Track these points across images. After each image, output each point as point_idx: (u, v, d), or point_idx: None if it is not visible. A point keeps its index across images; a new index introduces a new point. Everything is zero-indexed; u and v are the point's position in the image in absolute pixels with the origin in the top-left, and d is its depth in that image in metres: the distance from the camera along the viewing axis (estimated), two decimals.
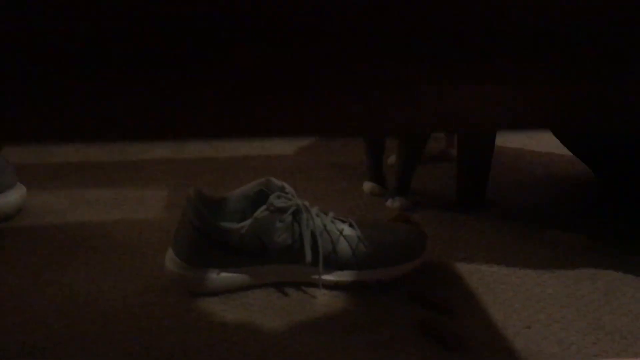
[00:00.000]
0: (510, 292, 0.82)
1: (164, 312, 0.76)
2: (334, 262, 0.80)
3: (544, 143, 1.43)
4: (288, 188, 0.80)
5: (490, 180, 1.16)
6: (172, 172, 1.20)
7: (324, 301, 0.79)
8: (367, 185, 1.11)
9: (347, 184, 1.16)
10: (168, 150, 1.33)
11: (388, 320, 0.75)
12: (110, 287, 0.81)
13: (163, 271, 0.84)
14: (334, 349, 0.70)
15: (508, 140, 1.44)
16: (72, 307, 0.77)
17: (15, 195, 0.98)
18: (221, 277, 0.78)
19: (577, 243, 0.95)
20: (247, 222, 0.76)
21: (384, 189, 1.11)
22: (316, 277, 0.80)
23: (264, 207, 0.77)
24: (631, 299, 0.81)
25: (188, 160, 1.27)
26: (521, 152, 1.38)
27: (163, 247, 0.91)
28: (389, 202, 1.06)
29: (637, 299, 0.82)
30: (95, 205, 1.05)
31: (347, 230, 0.82)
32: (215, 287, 0.79)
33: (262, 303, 0.78)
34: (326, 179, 1.18)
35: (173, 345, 0.70)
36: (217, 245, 0.77)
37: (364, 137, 1.09)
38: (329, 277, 0.81)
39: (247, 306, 0.78)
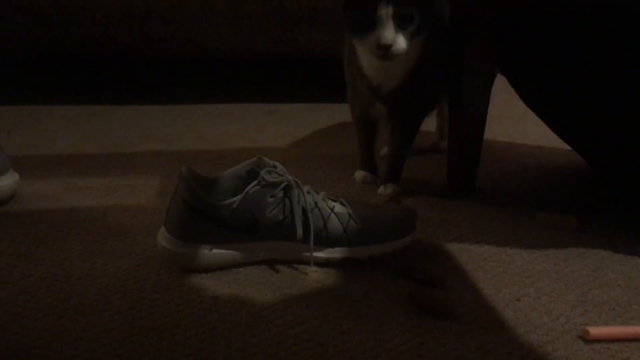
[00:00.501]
0: (500, 269, 0.83)
1: (156, 287, 0.76)
2: (325, 239, 0.81)
3: (536, 137, 1.44)
4: (279, 166, 0.81)
5: (481, 170, 1.16)
6: (165, 164, 1.20)
7: (315, 277, 0.80)
8: (359, 174, 1.12)
9: (340, 173, 1.17)
10: (161, 144, 1.33)
11: (378, 293, 0.76)
12: (102, 265, 0.81)
13: (155, 251, 0.84)
14: (324, 319, 0.70)
15: (500, 134, 1.46)
16: (63, 282, 0.77)
17: (8, 181, 0.99)
18: (213, 253, 0.79)
19: (567, 225, 0.96)
20: (239, 197, 0.77)
21: (376, 177, 1.11)
22: (307, 254, 0.80)
23: (255, 182, 0.78)
24: (620, 275, 0.82)
25: (181, 152, 1.28)
26: (512, 145, 1.39)
27: (155, 230, 0.90)
28: (380, 189, 1.07)
29: (625, 274, 0.82)
30: (88, 192, 1.05)
31: (338, 207, 0.83)
32: (207, 263, 0.79)
33: (253, 279, 0.79)
34: (318, 169, 1.19)
35: (164, 316, 0.70)
36: (209, 221, 0.78)
37: (356, 125, 1.10)
38: (320, 254, 0.81)
39: (238, 281, 0.78)
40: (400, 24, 0.88)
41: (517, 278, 0.81)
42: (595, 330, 0.67)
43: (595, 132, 1.00)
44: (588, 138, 1.03)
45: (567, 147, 1.19)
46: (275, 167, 0.81)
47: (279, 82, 1.98)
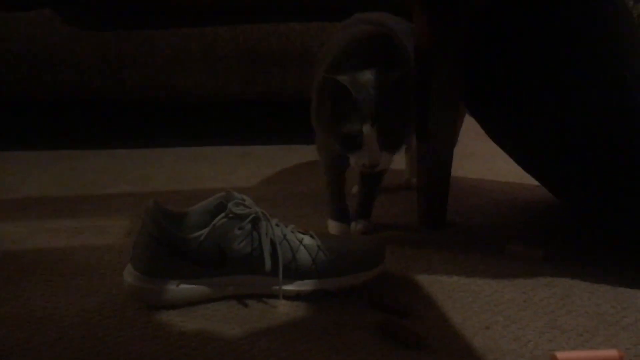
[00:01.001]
0: (470, 299, 0.83)
1: (120, 324, 0.75)
2: (294, 272, 0.80)
3: (504, 173, 1.47)
4: (247, 199, 0.81)
5: (452, 205, 1.18)
6: (135, 205, 1.20)
7: (284, 310, 0.79)
8: (334, 226, 1.07)
9: (311, 209, 1.17)
10: (132, 186, 1.33)
11: (349, 324, 0.75)
12: (67, 304, 0.80)
13: (122, 289, 0.83)
14: (292, 351, 0.69)
15: (470, 171, 1.48)
16: (27, 322, 0.75)
17: None
18: (180, 288, 0.78)
19: (535, 256, 0.97)
20: (206, 230, 0.77)
21: (349, 226, 1.08)
22: (277, 287, 0.80)
23: (222, 214, 0.77)
24: (588, 302, 0.83)
25: (152, 193, 1.27)
26: (482, 181, 1.41)
27: (123, 268, 0.90)
28: (352, 225, 1.07)
29: (593, 301, 0.83)
30: (55, 234, 1.04)
31: (307, 240, 0.83)
32: (174, 299, 0.78)
33: (222, 313, 0.78)
34: (290, 206, 1.19)
35: (128, 353, 0.69)
36: (176, 256, 0.77)
37: (327, 172, 1.08)
38: (289, 287, 0.81)
39: (206, 317, 0.77)
40: (385, 143, 0.88)
41: (486, 307, 0.81)
42: (562, 356, 0.67)
43: (560, 165, 1.02)
44: (553, 172, 1.05)
45: (534, 182, 1.21)
46: (243, 200, 0.81)
47: (252, 124, 2.00)
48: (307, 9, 1.55)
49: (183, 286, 0.78)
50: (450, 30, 0.99)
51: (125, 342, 0.71)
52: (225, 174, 1.44)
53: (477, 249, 1.00)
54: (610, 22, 0.91)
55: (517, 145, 1.06)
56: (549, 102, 0.93)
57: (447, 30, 0.99)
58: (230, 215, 0.78)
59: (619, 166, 0.90)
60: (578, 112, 0.91)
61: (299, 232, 0.84)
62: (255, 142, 1.73)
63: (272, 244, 0.79)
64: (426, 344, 0.71)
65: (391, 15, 1.12)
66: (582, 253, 0.99)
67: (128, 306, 0.79)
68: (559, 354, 0.67)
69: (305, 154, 1.62)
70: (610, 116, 0.89)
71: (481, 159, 1.60)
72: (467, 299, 0.83)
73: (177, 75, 1.56)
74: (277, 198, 1.24)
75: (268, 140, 1.77)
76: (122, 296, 0.81)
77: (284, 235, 0.81)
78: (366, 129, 0.86)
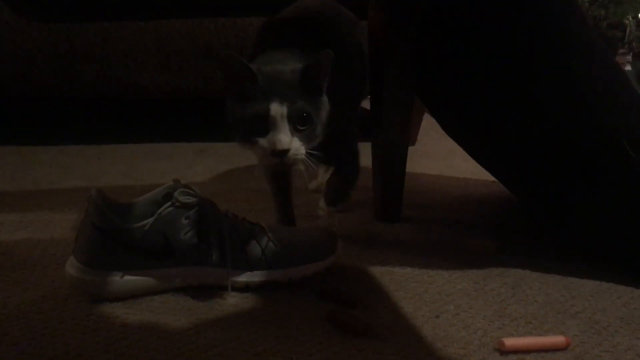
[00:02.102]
0: (421, 289, 0.82)
1: (60, 317, 0.72)
2: (243, 263, 0.79)
3: (462, 170, 1.47)
4: (195, 189, 0.79)
5: (409, 200, 1.17)
6: (83, 200, 1.16)
7: (233, 302, 0.77)
8: None
9: (266, 204, 1.15)
10: (82, 181, 1.29)
11: (297, 314, 0.74)
12: (4, 298, 0.76)
13: (65, 282, 0.80)
14: (239, 341, 0.67)
15: (428, 168, 1.48)
16: None
17: None
18: (124, 280, 0.75)
19: (488, 248, 0.97)
20: (151, 219, 0.74)
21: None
22: (225, 279, 0.78)
23: (168, 203, 0.75)
24: (537, 291, 0.83)
25: (104, 188, 1.24)
26: (440, 177, 1.42)
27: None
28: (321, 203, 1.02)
29: (543, 290, 0.83)
30: None
31: (257, 230, 0.81)
32: (118, 291, 0.75)
33: (167, 305, 0.76)
34: (245, 201, 1.17)
35: (66, 345, 0.66)
36: (120, 247, 0.75)
37: (267, 174, 0.99)
38: (238, 278, 0.79)
39: (151, 308, 0.75)
40: (296, 126, 0.76)
41: (437, 297, 0.80)
42: (510, 342, 0.67)
43: (514, 160, 1.03)
44: (507, 166, 1.06)
45: (491, 178, 1.22)
46: (191, 189, 0.79)
47: (208, 121, 1.97)
48: (265, 2, 1.54)
49: (127, 278, 0.75)
50: (404, 24, 0.99)
51: (65, 336, 0.68)
52: (181, 169, 1.41)
53: (432, 242, 0.99)
54: (560, 18, 0.92)
55: (474, 139, 1.07)
56: (504, 96, 0.93)
57: (401, 24, 0.99)
58: (177, 204, 0.75)
59: (570, 160, 0.91)
60: (532, 107, 0.91)
61: (249, 223, 0.83)
62: (213, 138, 1.71)
63: (220, 234, 0.77)
64: (374, 332, 0.70)
65: (334, 3, 1.08)
66: (534, 245, 1.00)
67: (70, 299, 0.76)
68: (506, 340, 0.67)
69: None
70: (562, 111, 0.90)
71: (439, 157, 1.61)
72: (418, 289, 0.82)
73: (131, 70, 1.52)
74: (232, 194, 1.22)
75: (225, 137, 1.74)
76: (64, 289, 0.78)
77: (233, 226, 0.79)
78: (274, 107, 0.74)
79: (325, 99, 0.81)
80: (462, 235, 1.02)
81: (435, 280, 0.85)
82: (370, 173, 1.10)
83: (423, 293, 0.81)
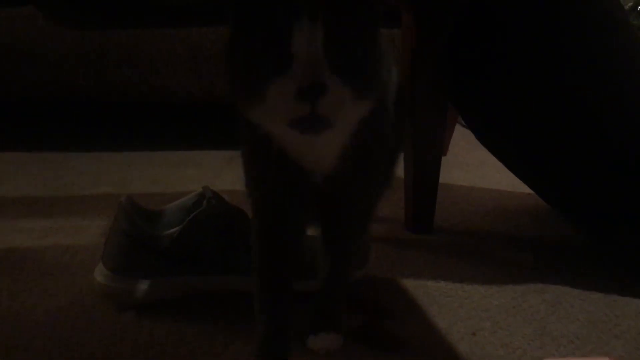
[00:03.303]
0: (456, 304, 0.80)
1: (88, 324, 0.71)
2: None
3: (495, 181, 1.44)
4: (227, 198, 0.78)
5: (441, 212, 1.14)
6: (113, 206, 1.15)
7: None
8: None
9: None
10: (112, 188, 1.29)
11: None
12: (33, 304, 0.76)
13: (93, 289, 0.79)
14: None
15: (460, 179, 1.45)
16: None
17: None
18: (152, 287, 0.74)
19: (525, 262, 0.94)
20: (180, 227, 0.73)
21: None
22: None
23: (197, 211, 0.74)
24: (579, 309, 0.80)
25: (132, 195, 1.23)
26: (472, 188, 1.38)
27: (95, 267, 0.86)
28: (310, 341, 0.68)
29: (584, 309, 0.80)
30: (28, 234, 0.99)
31: None
32: (146, 298, 0.74)
33: (196, 314, 0.74)
34: None
35: (94, 353, 0.65)
36: (149, 254, 0.73)
37: (255, 239, 0.65)
38: None
39: (179, 316, 0.73)
40: (337, 61, 0.48)
41: (473, 312, 0.77)
42: None
43: (553, 170, 0.99)
44: (546, 177, 1.03)
45: (526, 190, 1.18)
46: (221, 197, 0.77)
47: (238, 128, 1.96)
48: None
49: (155, 284, 0.74)
50: (437, 27, 0.96)
51: (92, 343, 0.67)
52: (210, 177, 1.40)
53: (466, 254, 0.96)
54: (607, 27, 0.89)
55: (510, 148, 1.03)
56: (543, 104, 0.90)
57: (434, 27, 0.96)
58: (206, 212, 0.74)
59: (612, 173, 0.87)
60: (573, 116, 0.88)
61: None
62: None
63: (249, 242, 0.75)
64: (407, 348, 0.67)
65: None
66: (573, 260, 0.96)
67: (97, 306, 0.75)
68: None
69: None
70: (606, 121, 0.86)
71: (472, 168, 1.57)
72: (453, 304, 0.79)
73: (162, 76, 1.53)
74: None
75: None
76: (91, 296, 0.77)
77: None
78: (302, 26, 0.47)
79: (381, 47, 0.54)
80: (497, 249, 0.98)
81: (471, 295, 0.82)
82: (402, 182, 1.08)
83: (458, 308, 0.78)
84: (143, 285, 0.73)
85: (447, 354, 0.67)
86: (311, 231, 0.73)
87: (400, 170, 1.05)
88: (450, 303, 0.80)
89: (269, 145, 0.56)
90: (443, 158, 1.07)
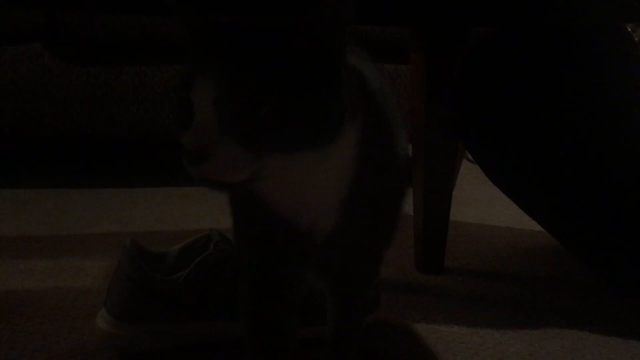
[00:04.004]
0: (472, 351, 0.77)
1: None
2: None
3: (504, 219, 1.41)
4: (232, 240, 0.76)
5: (450, 251, 1.12)
6: (116, 245, 1.13)
7: None
8: None
9: None
10: (115, 225, 1.27)
11: None
12: (33, 350, 0.73)
13: (94, 335, 0.76)
14: None
15: (469, 216, 1.43)
16: None
17: None
18: (157, 334, 0.71)
19: (540, 305, 0.91)
20: (186, 271, 0.71)
21: None
22: None
23: (204, 254, 0.72)
24: (598, 356, 0.77)
25: (136, 233, 1.21)
26: (481, 226, 1.36)
27: (98, 312, 0.83)
28: None
29: (604, 355, 0.77)
30: (29, 275, 0.97)
31: None
32: (150, 345, 0.71)
33: None
34: None
35: None
36: (153, 299, 0.71)
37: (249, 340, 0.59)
38: None
39: None
40: (232, 121, 0.43)
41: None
42: None
43: (565, 209, 0.97)
44: (557, 215, 1.01)
45: (536, 228, 1.16)
46: (228, 240, 0.75)
47: None
48: None
49: (160, 332, 0.71)
50: (449, 65, 0.95)
51: None
52: (215, 215, 1.38)
53: (478, 297, 0.94)
54: (620, 61, 0.88)
55: (521, 185, 1.01)
56: (554, 140, 0.88)
57: (445, 65, 0.95)
58: (213, 256, 0.72)
59: (625, 213, 0.85)
60: (585, 152, 0.87)
61: None
62: None
63: None
64: None
65: None
66: (588, 302, 0.93)
67: (99, 353, 0.72)
68: None
69: None
70: (620, 158, 0.85)
71: (480, 204, 1.55)
72: (468, 351, 0.76)
73: (168, 112, 1.52)
74: None
75: None
76: (94, 342, 0.75)
77: None
78: (200, 81, 0.44)
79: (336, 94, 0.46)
80: (510, 290, 0.96)
81: (486, 341, 0.79)
82: (410, 220, 1.05)
83: (474, 355, 0.75)
84: (147, 333, 0.71)
85: None
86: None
87: (408, 207, 1.03)
88: (465, 350, 0.77)
89: (252, 198, 0.51)
90: None
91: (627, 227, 0.86)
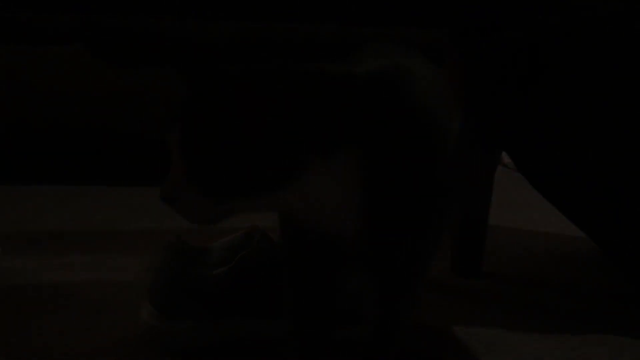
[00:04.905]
0: (513, 354, 0.76)
1: None
2: None
3: (541, 223, 1.40)
4: (275, 237, 0.76)
5: (487, 255, 1.11)
6: (157, 241, 1.15)
7: None
8: None
9: None
10: (154, 222, 1.28)
11: None
12: (77, 342, 0.74)
13: (136, 327, 0.77)
14: None
15: (503, 220, 1.41)
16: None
17: None
18: (198, 330, 0.72)
19: (580, 310, 0.89)
20: (227, 267, 0.72)
21: None
22: None
23: (246, 251, 0.72)
24: None
25: (176, 229, 1.22)
26: (517, 230, 1.35)
27: (139, 306, 0.84)
28: None
29: None
30: (70, 269, 0.99)
31: None
32: (193, 341, 0.72)
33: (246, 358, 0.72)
34: None
35: None
36: (196, 295, 0.72)
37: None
38: None
39: None
40: (198, 169, 0.49)
41: None
42: None
43: (609, 213, 0.95)
44: (601, 220, 0.98)
45: (575, 234, 1.14)
46: (270, 237, 0.76)
47: None
48: None
49: (202, 327, 0.72)
50: (489, 66, 0.94)
51: None
52: (257, 212, 1.39)
53: (517, 301, 0.93)
54: None
55: (565, 190, 0.99)
56: (600, 143, 0.87)
57: (485, 66, 0.94)
58: (253, 254, 0.72)
59: None
60: (635, 154, 0.85)
61: None
62: None
63: None
64: None
65: None
66: (630, 310, 0.91)
67: (142, 347, 0.73)
68: None
69: None
70: None
71: (515, 208, 1.54)
72: (509, 354, 0.76)
73: None
74: None
75: None
76: (136, 336, 0.76)
77: None
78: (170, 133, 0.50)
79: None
80: (549, 296, 0.95)
81: (526, 345, 0.78)
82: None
83: (517, 358, 0.75)
84: (190, 328, 0.72)
85: None
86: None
87: None
88: (505, 353, 0.76)
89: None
90: None
91: None
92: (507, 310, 0.89)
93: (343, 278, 0.64)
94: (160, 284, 0.73)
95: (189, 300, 0.72)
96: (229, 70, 0.49)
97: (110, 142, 1.85)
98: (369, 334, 0.62)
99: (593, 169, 0.89)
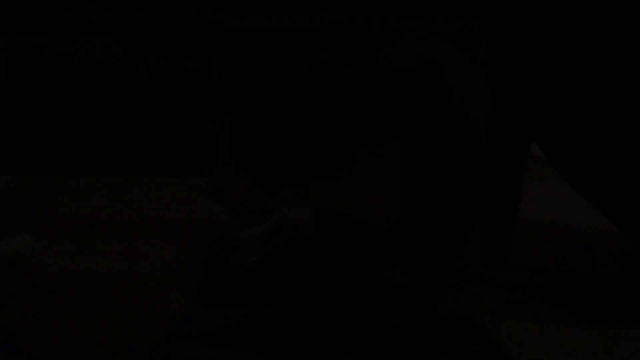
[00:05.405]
0: (544, 348, 0.75)
1: (163, 353, 0.70)
2: None
3: (571, 217, 1.38)
4: (304, 229, 0.77)
5: (516, 247, 1.10)
6: (190, 231, 1.16)
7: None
8: None
9: None
10: (186, 213, 1.30)
11: None
12: (109, 329, 0.76)
13: (168, 315, 0.78)
14: None
15: (532, 212, 1.39)
16: (67, 347, 0.71)
17: (20, 241, 0.95)
18: (229, 317, 0.73)
19: (612, 304, 0.88)
20: (256, 257, 0.72)
21: None
22: None
23: (276, 241, 0.73)
24: None
25: (206, 220, 1.24)
26: (547, 224, 1.33)
27: (170, 294, 0.86)
28: None
29: None
30: (103, 257, 1.01)
31: None
32: (223, 329, 0.73)
33: (271, 350, 0.72)
34: None
35: None
36: (227, 284, 0.73)
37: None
38: None
39: (255, 348, 0.71)
40: (248, 161, 0.52)
41: (564, 357, 0.73)
42: None
43: None
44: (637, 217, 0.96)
45: (606, 228, 1.12)
46: (297, 228, 0.76)
47: None
48: None
49: (232, 314, 0.73)
50: (524, 56, 0.93)
51: None
52: None
53: (547, 294, 0.92)
54: None
55: (597, 184, 0.97)
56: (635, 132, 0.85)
57: (521, 57, 0.93)
58: (284, 242, 0.73)
59: None
60: None
61: None
62: None
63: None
64: None
65: None
66: None
67: (174, 335, 0.74)
68: None
69: None
70: None
71: (544, 201, 1.52)
72: (541, 348, 0.75)
73: None
74: None
75: None
76: (168, 324, 0.77)
77: None
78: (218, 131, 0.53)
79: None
80: (580, 290, 0.93)
81: (559, 339, 0.77)
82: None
83: (547, 352, 0.74)
84: (221, 315, 0.72)
85: None
86: None
87: None
88: (536, 346, 0.75)
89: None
90: None
91: None
92: (537, 304, 0.88)
93: (378, 270, 0.66)
94: (191, 273, 0.74)
95: (219, 289, 0.72)
96: (281, 63, 0.51)
97: (140, 133, 1.87)
98: (402, 324, 0.64)
99: (629, 162, 0.87)
